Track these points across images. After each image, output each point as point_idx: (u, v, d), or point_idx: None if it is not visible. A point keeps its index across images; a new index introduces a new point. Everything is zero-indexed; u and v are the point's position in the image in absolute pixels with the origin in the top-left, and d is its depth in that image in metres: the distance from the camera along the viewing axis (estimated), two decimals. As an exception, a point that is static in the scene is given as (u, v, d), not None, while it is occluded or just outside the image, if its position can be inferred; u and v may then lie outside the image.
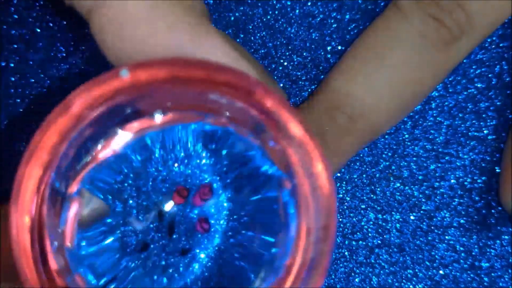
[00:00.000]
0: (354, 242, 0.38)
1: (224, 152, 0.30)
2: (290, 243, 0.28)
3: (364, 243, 0.38)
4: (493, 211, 0.38)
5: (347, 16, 0.39)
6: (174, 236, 0.30)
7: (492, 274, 0.38)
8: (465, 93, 0.39)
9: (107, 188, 0.29)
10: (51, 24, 0.39)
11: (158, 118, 0.29)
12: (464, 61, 0.39)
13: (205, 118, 0.29)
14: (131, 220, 0.29)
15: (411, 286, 0.38)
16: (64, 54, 0.39)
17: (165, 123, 0.29)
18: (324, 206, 0.26)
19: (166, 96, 0.28)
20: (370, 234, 0.38)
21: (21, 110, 0.38)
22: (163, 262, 0.30)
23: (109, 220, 0.29)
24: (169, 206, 0.30)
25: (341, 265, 0.38)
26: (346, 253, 0.38)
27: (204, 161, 0.31)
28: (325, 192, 0.26)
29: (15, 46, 0.39)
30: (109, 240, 0.29)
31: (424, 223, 0.38)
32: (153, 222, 0.30)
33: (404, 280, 0.38)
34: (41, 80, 0.39)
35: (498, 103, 0.39)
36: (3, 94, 0.38)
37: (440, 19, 0.34)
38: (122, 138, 0.29)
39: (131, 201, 0.29)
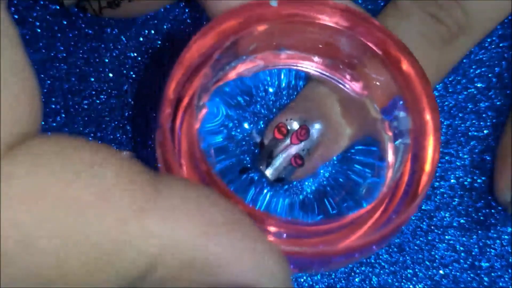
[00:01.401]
0: (354, 242, 0.38)
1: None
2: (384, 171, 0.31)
3: (364, 243, 0.38)
4: (493, 211, 0.38)
5: (347, 16, 0.39)
6: (270, 166, 0.33)
7: (492, 274, 0.38)
8: (465, 93, 0.39)
9: (229, 101, 0.34)
10: (51, 24, 0.39)
11: (280, 55, 0.32)
12: (464, 61, 0.39)
13: (314, 60, 0.32)
14: (246, 130, 0.34)
15: (411, 286, 0.38)
16: (64, 54, 0.39)
17: (285, 63, 0.33)
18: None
19: (289, 34, 0.31)
20: (370, 234, 0.38)
21: (21, 110, 0.38)
22: (258, 185, 0.34)
23: (225, 123, 0.34)
24: (269, 137, 0.34)
25: (341, 265, 0.38)
26: (346, 253, 0.38)
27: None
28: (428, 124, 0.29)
29: (15, 46, 0.39)
30: (222, 138, 0.34)
31: (424, 223, 0.38)
32: (255, 148, 0.34)
33: (404, 280, 0.38)
34: (41, 80, 0.39)
35: (498, 103, 0.39)
36: (3, 94, 0.38)
37: (439, 18, 0.34)
38: (247, 66, 0.32)
39: (243, 116, 0.34)
